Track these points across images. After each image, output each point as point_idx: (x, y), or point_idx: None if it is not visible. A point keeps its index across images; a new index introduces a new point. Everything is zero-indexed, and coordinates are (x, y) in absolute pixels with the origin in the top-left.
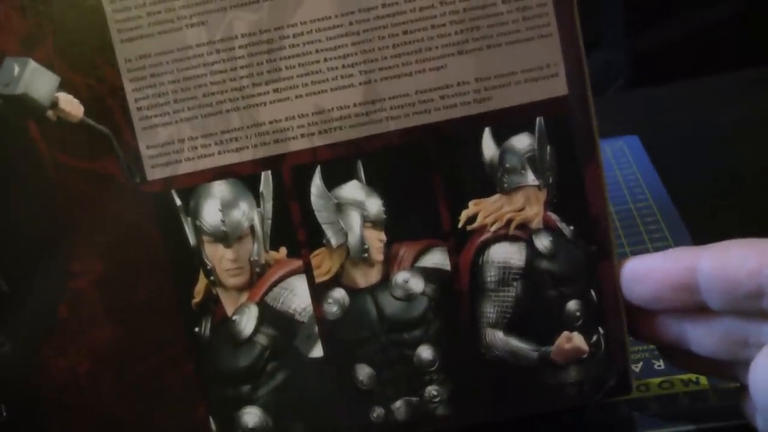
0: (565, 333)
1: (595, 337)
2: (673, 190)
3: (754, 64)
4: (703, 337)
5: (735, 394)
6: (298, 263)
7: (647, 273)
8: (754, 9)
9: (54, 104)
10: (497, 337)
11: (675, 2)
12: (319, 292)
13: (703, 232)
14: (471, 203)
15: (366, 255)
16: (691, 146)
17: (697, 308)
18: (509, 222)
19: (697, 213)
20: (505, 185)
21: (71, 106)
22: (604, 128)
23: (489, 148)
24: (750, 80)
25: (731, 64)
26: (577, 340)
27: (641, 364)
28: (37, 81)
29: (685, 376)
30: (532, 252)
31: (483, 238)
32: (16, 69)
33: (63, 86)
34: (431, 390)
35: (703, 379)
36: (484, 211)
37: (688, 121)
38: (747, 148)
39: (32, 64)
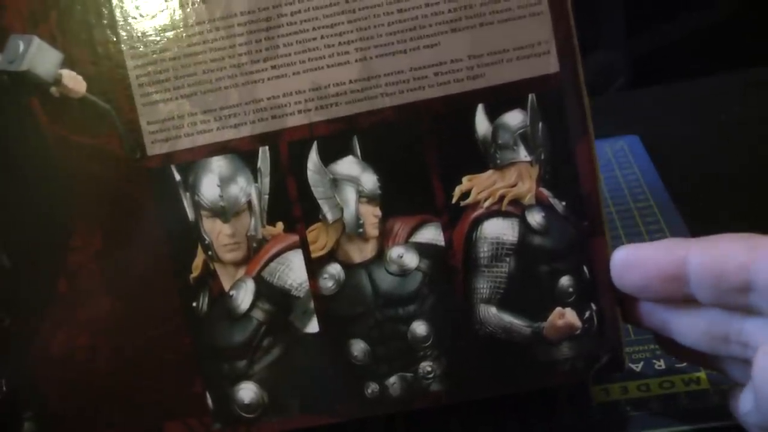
0: (558, 309)
1: (587, 314)
2: (673, 190)
3: (754, 64)
4: (686, 327)
5: None
6: (294, 238)
7: (638, 263)
8: (753, 9)
9: (57, 81)
10: (490, 312)
11: (675, 3)
12: (315, 267)
13: (703, 232)
14: (464, 179)
15: (361, 230)
16: (691, 146)
17: (683, 299)
18: (502, 198)
19: (697, 213)
20: (498, 161)
21: (74, 82)
22: (605, 128)
23: (482, 124)
24: (750, 80)
25: (731, 64)
26: (570, 316)
27: (641, 363)
28: (41, 58)
29: (685, 376)
30: (525, 228)
31: (476, 213)
32: (21, 46)
33: (66, 62)
34: (425, 366)
35: (704, 379)
36: (478, 186)
37: (688, 121)
38: (747, 148)
39: (36, 42)
